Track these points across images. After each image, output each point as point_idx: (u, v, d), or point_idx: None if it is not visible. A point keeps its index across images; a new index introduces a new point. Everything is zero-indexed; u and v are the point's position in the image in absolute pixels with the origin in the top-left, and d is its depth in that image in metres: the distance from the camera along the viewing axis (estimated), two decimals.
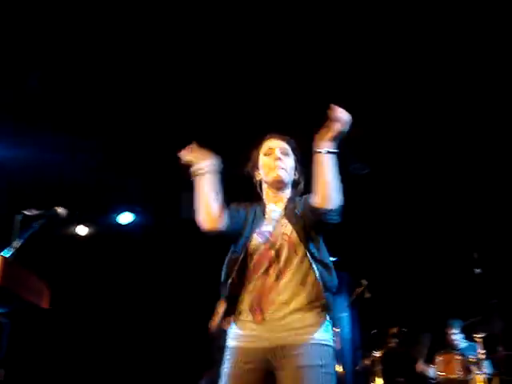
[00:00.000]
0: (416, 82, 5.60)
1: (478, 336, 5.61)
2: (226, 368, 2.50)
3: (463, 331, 6.56)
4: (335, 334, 2.86)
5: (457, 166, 6.74)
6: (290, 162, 2.83)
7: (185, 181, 2.62)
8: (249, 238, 2.65)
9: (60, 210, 3.10)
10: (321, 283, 2.53)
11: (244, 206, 2.83)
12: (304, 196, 2.75)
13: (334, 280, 2.60)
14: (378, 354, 5.79)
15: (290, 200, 2.80)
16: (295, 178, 2.87)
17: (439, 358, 5.85)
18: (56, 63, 5.44)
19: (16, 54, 5.27)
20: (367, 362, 5.88)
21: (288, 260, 2.58)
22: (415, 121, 6.08)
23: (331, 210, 2.50)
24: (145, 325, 8.34)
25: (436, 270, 8.46)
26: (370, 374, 5.89)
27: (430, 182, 7.05)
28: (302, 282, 2.56)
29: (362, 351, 6.30)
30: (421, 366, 6.27)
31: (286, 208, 2.76)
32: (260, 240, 2.64)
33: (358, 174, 6.45)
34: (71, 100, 5.93)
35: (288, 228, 2.65)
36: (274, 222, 2.71)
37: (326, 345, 2.49)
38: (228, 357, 2.54)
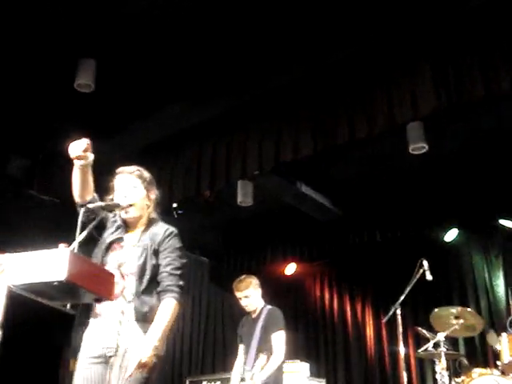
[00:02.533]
0: None
1: None
2: None
3: None
4: None
5: None
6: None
7: None
8: None
9: (121, 202, 3.12)
10: None
11: None
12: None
13: None
14: (441, 336, 5.70)
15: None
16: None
17: (506, 339, 5.70)
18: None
19: None
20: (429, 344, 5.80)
21: None
22: None
23: None
24: None
25: None
26: (433, 357, 5.85)
27: None
28: None
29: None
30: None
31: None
32: None
33: None
34: None
35: None
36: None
37: None
38: None
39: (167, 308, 2.96)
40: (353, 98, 5.86)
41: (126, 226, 3.20)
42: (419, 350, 6.05)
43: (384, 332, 8.88)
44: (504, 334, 5.82)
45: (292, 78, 5.86)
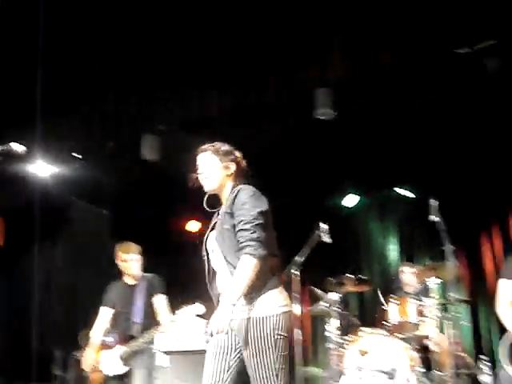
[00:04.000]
0: None
1: (432, 281, 5.84)
2: None
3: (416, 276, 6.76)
4: None
5: None
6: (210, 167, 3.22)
7: None
8: None
9: (15, 147, 2.99)
10: None
11: None
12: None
13: None
14: (334, 296, 5.91)
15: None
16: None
17: (393, 302, 5.99)
18: None
19: None
20: (324, 304, 6.00)
21: None
22: None
23: None
24: None
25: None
26: (325, 315, 6.06)
27: None
28: None
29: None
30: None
31: None
32: None
33: None
34: None
35: None
36: None
37: None
38: None
39: (240, 266, 2.82)
40: (263, 62, 5.89)
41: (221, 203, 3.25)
42: (311, 308, 6.26)
43: None
44: (393, 297, 6.11)
45: (202, 42, 5.80)
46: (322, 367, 7.98)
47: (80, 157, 7.25)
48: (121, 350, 4.94)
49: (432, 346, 5.66)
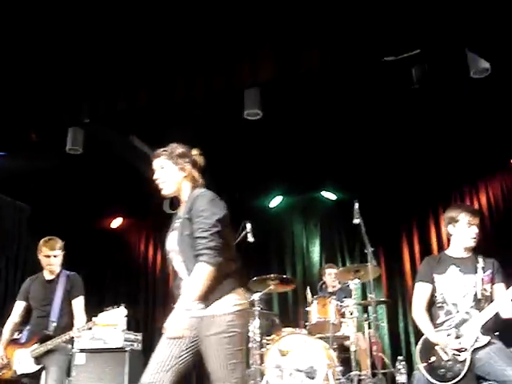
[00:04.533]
0: None
1: (353, 283, 5.98)
2: None
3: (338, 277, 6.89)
4: None
5: None
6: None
7: None
8: None
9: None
10: None
11: None
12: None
13: None
14: (256, 296, 5.95)
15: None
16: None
17: (315, 302, 6.08)
18: None
19: None
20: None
21: None
22: None
23: None
24: None
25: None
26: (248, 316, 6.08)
27: None
28: None
29: None
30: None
31: None
32: None
33: None
34: None
35: None
36: None
37: None
38: None
39: (196, 273, 2.90)
40: (193, 59, 5.87)
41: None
42: None
43: None
44: (315, 297, 6.20)
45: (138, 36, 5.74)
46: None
47: (0, 148, 6.99)
48: (34, 348, 4.80)
49: (351, 346, 5.77)
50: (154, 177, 3.27)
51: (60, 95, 6.48)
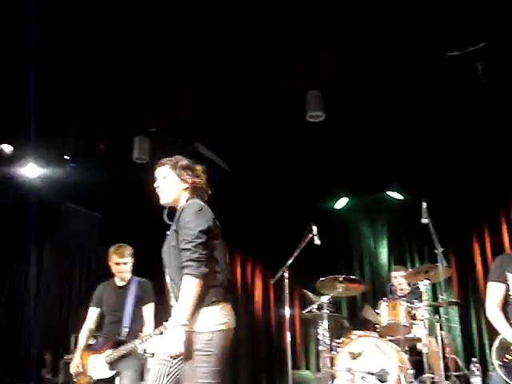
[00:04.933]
0: None
1: (423, 284, 5.85)
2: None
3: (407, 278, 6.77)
4: None
5: None
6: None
7: None
8: None
9: (5, 148, 2.98)
10: None
11: None
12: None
13: None
14: (325, 299, 5.91)
15: None
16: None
17: (385, 304, 6.00)
18: None
19: None
20: (314, 306, 6.01)
21: None
22: None
23: None
24: None
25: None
26: (317, 318, 6.06)
27: None
28: None
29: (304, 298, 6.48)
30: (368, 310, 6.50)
31: None
32: None
33: None
34: None
35: None
36: None
37: None
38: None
39: (184, 287, 2.92)
40: (254, 63, 5.90)
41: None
42: (303, 312, 6.25)
43: (272, 293, 9.11)
44: (384, 299, 6.12)
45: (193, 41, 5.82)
46: (314, 370, 8.00)
47: (70, 158, 7.20)
48: (108, 353, 4.92)
49: (422, 348, 5.66)
50: (155, 185, 3.32)
51: (126, 105, 6.64)
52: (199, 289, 2.91)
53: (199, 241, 2.98)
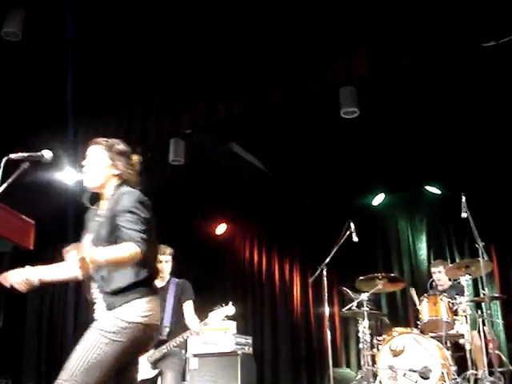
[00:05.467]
0: None
1: (464, 279, 5.77)
2: None
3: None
4: None
5: None
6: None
7: None
8: None
9: (46, 154, 3.02)
10: None
11: None
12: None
13: None
14: (364, 296, 5.88)
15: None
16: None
17: (426, 300, 5.93)
18: None
19: None
20: (353, 304, 5.97)
21: None
22: None
23: None
24: None
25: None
26: (356, 316, 6.03)
27: None
28: None
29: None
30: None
31: None
32: None
33: None
34: None
35: None
36: None
37: None
38: None
39: (122, 245, 2.70)
40: (287, 60, 5.89)
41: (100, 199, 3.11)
42: (343, 309, 6.22)
43: (310, 292, 9.08)
44: (425, 295, 6.05)
45: (226, 40, 5.83)
46: (355, 368, 7.95)
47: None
48: (150, 353, 4.95)
49: (465, 344, 5.58)
50: (84, 163, 3.05)
51: (161, 107, 6.69)
52: (131, 259, 2.69)
53: (145, 227, 2.78)
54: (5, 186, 2.66)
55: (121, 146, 3.12)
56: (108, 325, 2.76)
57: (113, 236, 2.84)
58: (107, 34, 5.72)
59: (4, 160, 2.77)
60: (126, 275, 2.83)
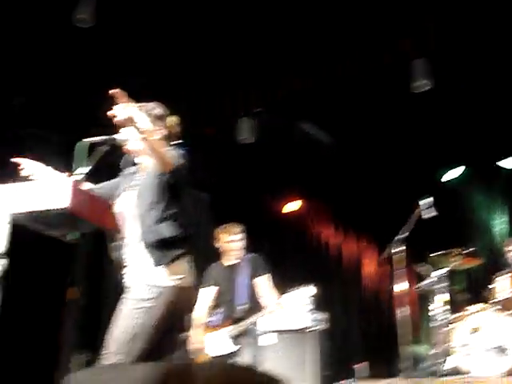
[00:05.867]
0: None
1: None
2: None
3: None
4: None
5: None
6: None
7: None
8: None
9: (119, 137, 3.07)
10: None
11: None
12: None
13: None
14: (438, 273, 5.78)
15: None
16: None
17: (506, 276, 5.78)
18: None
19: None
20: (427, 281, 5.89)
21: None
22: None
23: None
24: None
25: None
26: (431, 293, 5.94)
27: None
28: None
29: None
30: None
31: None
32: None
33: None
34: None
35: None
36: None
37: None
38: None
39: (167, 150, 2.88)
40: (355, 34, 5.82)
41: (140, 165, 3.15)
42: (416, 286, 6.14)
43: (383, 270, 9.00)
44: (505, 270, 5.89)
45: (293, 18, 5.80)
46: (429, 346, 7.85)
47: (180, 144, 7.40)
48: (228, 329, 5.01)
49: None
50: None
51: (229, 87, 6.73)
52: (165, 160, 2.84)
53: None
54: (88, 169, 2.74)
55: (159, 109, 3.18)
56: (142, 292, 2.81)
57: (158, 196, 2.91)
58: (176, 17, 5.77)
59: (80, 144, 2.84)
60: (169, 227, 2.91)
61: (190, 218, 3.05)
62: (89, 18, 5.35)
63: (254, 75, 6.48)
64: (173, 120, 3.22)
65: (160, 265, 2.83)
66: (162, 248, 2.86)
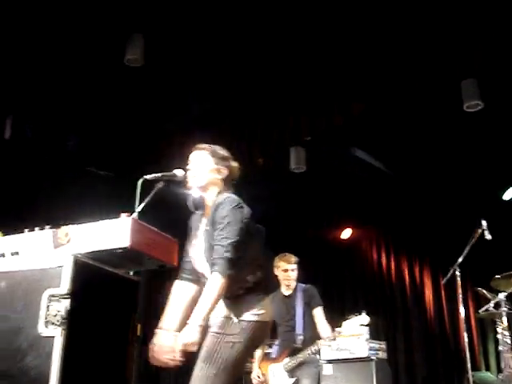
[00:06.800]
0: None
1: None
2: None
3: None
4: None
5: None
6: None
7: None
8: None
9: (178, 173, 3.17)
10: None
11: None
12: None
13: None
14: (502, 296, 5.62)
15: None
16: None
17: None
18: None
19: None
20: (490, 305, 5.73)
21: None
22: None
23: None
24: None
25: None
26: (494, 317, 5.78)
27: None
28: None
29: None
30: None
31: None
32: None
33: None
34: None
35: None
36: None
37: None
38: None
39: (209, 284, 2.78)
40: (404, 55, 5.82)
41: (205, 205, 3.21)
42: (480, 311, 5.98)
43: (443, 293, 8.82)
44: None
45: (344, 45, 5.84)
46: (495, 371, 7.61)
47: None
48: (286, 361, 5.00)
49: None
50: (188, 167, 3.11)
51: (279, 116, 6.78)
52: (222, 289, 2.76)
53: (235, 239, 2.84)
54: (143, 205, 2.81)
55: (223, 151, 3.22)
56: (226, 327, 2.86)
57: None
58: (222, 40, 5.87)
59: (140, 181, 2.93)
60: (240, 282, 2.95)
61: (262, 255, 3.14)
62: (139, 57, 5.50)
63: (306, 104, 6.53)
64: (235, 165, 3.27)
65: (231, 314, 2.91)
66: (234, 300, 2.95)
